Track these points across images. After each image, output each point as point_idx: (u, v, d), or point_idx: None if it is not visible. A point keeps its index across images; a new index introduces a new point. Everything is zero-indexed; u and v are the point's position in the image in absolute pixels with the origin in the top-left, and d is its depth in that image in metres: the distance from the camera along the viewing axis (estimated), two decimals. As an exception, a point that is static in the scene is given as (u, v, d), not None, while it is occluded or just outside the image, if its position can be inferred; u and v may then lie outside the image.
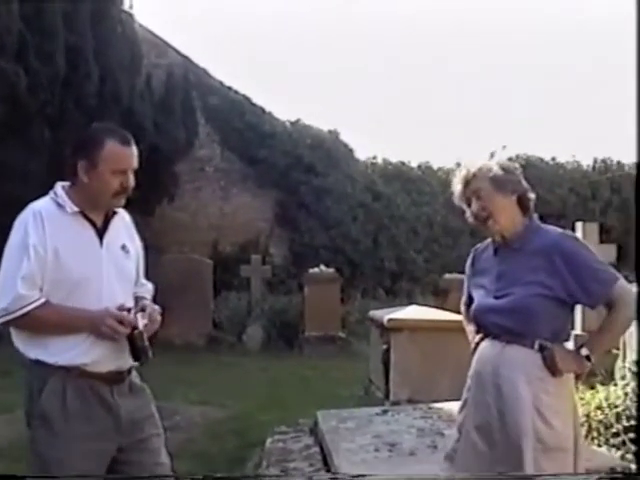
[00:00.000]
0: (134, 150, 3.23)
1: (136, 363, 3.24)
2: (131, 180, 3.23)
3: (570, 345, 3.28)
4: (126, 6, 15.25)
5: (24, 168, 11.61)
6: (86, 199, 3.20)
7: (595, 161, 20.83)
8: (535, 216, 3.32)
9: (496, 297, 3.23)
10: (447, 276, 14.58)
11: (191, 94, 17.42)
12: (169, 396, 8.85)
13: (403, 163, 20.15)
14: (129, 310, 3.15)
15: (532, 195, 3.31)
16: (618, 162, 20.87)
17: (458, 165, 17.12)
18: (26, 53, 11.62)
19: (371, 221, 18.56)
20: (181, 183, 17.39)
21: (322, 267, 14.55)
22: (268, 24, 37.37)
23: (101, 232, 3.24)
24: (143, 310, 3.22)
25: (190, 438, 7.32)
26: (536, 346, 3.12)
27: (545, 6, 39.40)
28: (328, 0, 39.25)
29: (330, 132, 19.08)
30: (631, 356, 6.17)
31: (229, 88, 18.62)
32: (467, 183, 3.28)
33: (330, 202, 17.92)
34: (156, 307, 3.35)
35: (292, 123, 18.89)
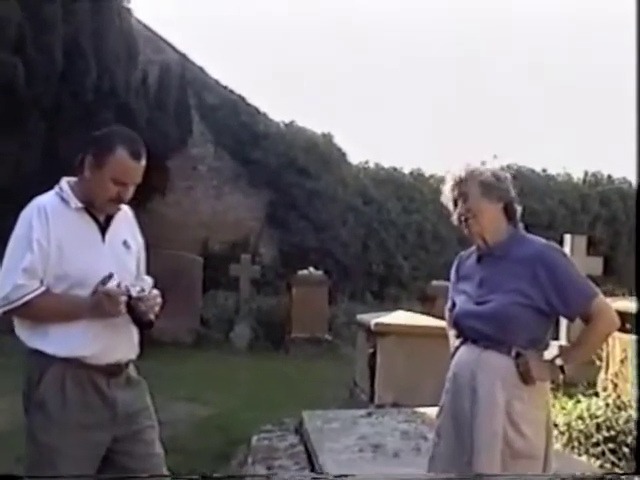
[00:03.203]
0: (142, 165, 3.25)
1: (132, 351, 3.33)
2: (130, 193, 3.27)
3: (548, 354, 3.36)
4: (124, 1, 15.26)
5: (17, 159, 11.65)
6: (87, 196, 3.25)
7: (586, 174, 20.99)
8: (520, 225, 3.39)
9: (477, 303, 3.30)
10: (434, 283, 14.63)
11: (186, 91, 17.39)
12: (156, 392, 8.82)
13: (395, 169, 20.24)
14: (118, 284, 3.17)
15: (518, 206, 3.39)
16: (609, 176, 21.05)
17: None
18: (24, 45, 11.62)
19: (361, 225, 18.65)
20: (173, 180, 17.37)
21: (311, 269, 14.61)
22: (266, 24, 37.45)
23: (104, 228, 3.31)
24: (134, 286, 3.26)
25: (175, 434, 7.35)
26: (513, 353, 3.18)
27: (542, 17, 39.52)
28: (327, 2, 39.34)
29: (324, 135, 19.14)
30: (613, 368, 6.27)
31: (225, 87, 18.64)
32: (457, 184, 3.34)
33: (321, 205, 18.01)
34: (151, 288, 3.41)
35: (286, 125, 18.95)
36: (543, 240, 3.36)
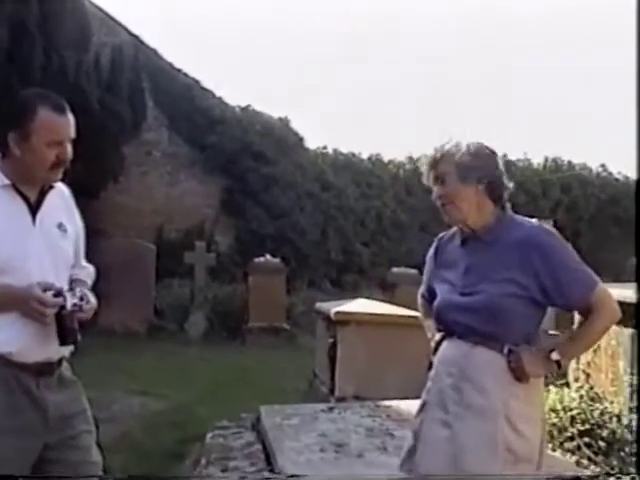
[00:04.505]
0: (70, 118, 2.91)
1: (65, 347, 2.94)
2: (69, 151, 2.90)
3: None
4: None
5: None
6: (19, 173, 2.87)
7: (546, 160, 20.96)
8: (508, 206, 3.03)
9: (463, 294, 2.93)
10: (395, 270, 14.47)
11: (140, 74, 16.93)
12: (107, 385, 8.60)
13: (354, 154, 20.06)
14: (59, 292, 2.83)
15: (508, 183, 3.04)
16: (569, 162, 21.02)
17: (410, 159, 16.91)
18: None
19: (319, 212, 18.43)
20: (127, 166, 16.90)
21: (268, 256, 14.32)
22: (224, 6, 37.01)
23: (34, 208, 2.93)
24: (72, 290, 2.91)
25: (127, 431, 7.03)
26: (505, 349, 2.85)
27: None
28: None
29: (281, 119, 18.88)
30: (585, 357, 6.00)
31: (179, 70, 18.28)
32: (433, 166, 2.99)
33: (278, 191, 17.71)
34: (89, 294, 3.02)
35: (242, 109, 18.66)
36: (535, 222, 3.00)
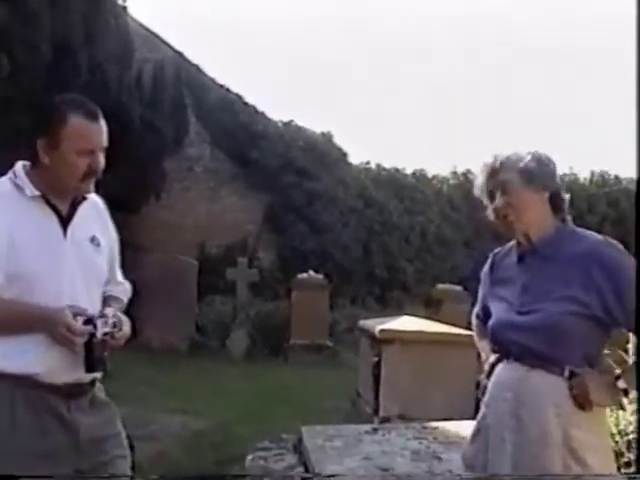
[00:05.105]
0: (103, 126, 2.75)
1: (93, 374, 2.78)
2: (101, 161, 2.74)
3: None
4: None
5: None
6: (49, 182, 2.73)
7: (592, 174, 20.64)
8: (569, 218, 2.84)
9: (520, 312, 2.72)
10: (440, 286, 14.24)
11: (182, 90, 16.93)
12: (146, 403, 8.49)
13: (397, 169, 19.89)
14: (90, 319, 2.68)
15: (566, 195, 2.84)
16: (616, 176, 20.69)
17: (454, 174, 16.71)
18: (9, 40, 11.19)
19: (362, 227, 18.22)
20: (169, 182, 16.88)
21: (311, 272, 14.12)
22: (267, 23, 37.10)
23: (65, 221, 2.78)
24: (104, 317, 2.74)
25: (164, 450, 6.88)
26: (566, 373, 2.62)
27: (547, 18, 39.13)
28: (331, 2, 38.96)
29: (323, 134, 18.74)
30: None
31: (221, 86, 18.24)
32: (492, 174, 2.78)
33: (321, 206, 17.54)
34: (123, 318, 2.85)
35: (285, 124, 18.54)
36: (598, 236, 2.78)
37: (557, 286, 2.67)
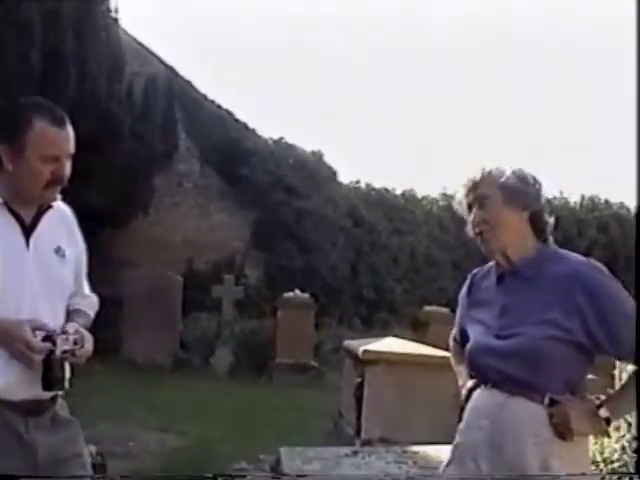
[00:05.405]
0: (70, 132, 2.65)
1: (50, 392, 2.66)
2: (67, 168, 2.64)
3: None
4: (111, 12, 14.81)
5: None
6: (13, 190, 2.62)
7: (582, 198, 20.63)
8: (551, 240, 2.71)
9: (499, 336, 2.60)
10: (427, 308, 14.17)
11: (173, 105, 16.86)
12: (126, 420, 8.38)
13: (387, 190, 19.83)
14: (49, 336, 2.57)
15: (550, 218, 2.73)
16: (606, 200, 20.68)
17: (443, 195, 16.64)
18: (0, 47, 11.14)
19: (351, 247, 18.12)
20: (158, 197, 16.80)
21: (297, 291, 14.03)
22: (258, 41, 37.11)
23: (29, 230, 2.67)
24: (65, 333, 2.63)
25: (141, 467, 6.75)
26: (546, 400, 2.49)
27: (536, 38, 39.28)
28: (321, 20, 39.04)
29: (313, 153, 18.67)
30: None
31: (212, 102, 18.16)
32: (472, 188, 2.67)
33: (310, 225, 17.43)
34: (86, 334, 2.73)
35: (275, 141, 18.45)
36: (581, 257, 2.65)
37: (537, 309, 2.55)
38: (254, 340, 13.99)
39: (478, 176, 2.65)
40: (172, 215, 17.57)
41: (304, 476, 3.97)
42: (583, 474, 2.62)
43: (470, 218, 2.68)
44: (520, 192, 2.62)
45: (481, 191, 2.65)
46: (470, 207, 2.67)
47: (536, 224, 2.67)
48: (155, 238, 16.66)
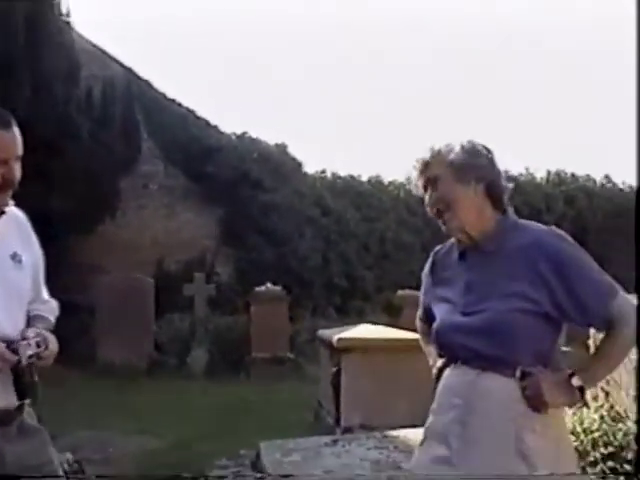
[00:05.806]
0: (17, 134, 2.57)
1: (23, 401, 2.61)
2: (16, 171, 2.57)
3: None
4: (63, 15, 14.62)
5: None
6: None
7: (549, 173, 20.72)
8: (511, 210, 2.68)
9: (465, 313, 2.56)
10: (400, 292, 14.16)
11: (133, 106, 16.64)
12: (103, 425, 8.30)
13: (353, 177, 19.80)
14: (9, 343, 2.51)
15: (508, 184, 2.69)
16: (572, 174, 20.77)
17: (409, 179, 16.71)
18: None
19: (320, 237, 18.11)
20: (125, 200, 16.60)
21: (269, 285, 13.95)
22: (215, 36, 36.95)
23: None
24: (25, 339, 2.57)
25: (120, 472, 6.68)
26: (517, 374, 2.46)
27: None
28: (277, 12, 38.92)
29: (277, 145, 18.60)
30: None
31: (172, 100, 18.02)
32: (424, 168, 2.63)
33: (278, 218, 17.38)
34: (48, 335, 2.68)
35: (238, 136, 18.37)
36: (542, 226, 2.62)
37: (502, 282, 2.52)
38: (229, 336, 13.91)
39: (428, 156, 2.62)
40: (139, 217, 17.43)
41: (288, 476, 3.93)
42: (572, 474, 2.60)
43: (426, 199, 2.65)
44: (470, 166, 2.58)
45: (432, 171, 2.61)
46: (425, 188, 2.64)
47: (493, 195, 2.63)
48: (123, 241, 16.52)
